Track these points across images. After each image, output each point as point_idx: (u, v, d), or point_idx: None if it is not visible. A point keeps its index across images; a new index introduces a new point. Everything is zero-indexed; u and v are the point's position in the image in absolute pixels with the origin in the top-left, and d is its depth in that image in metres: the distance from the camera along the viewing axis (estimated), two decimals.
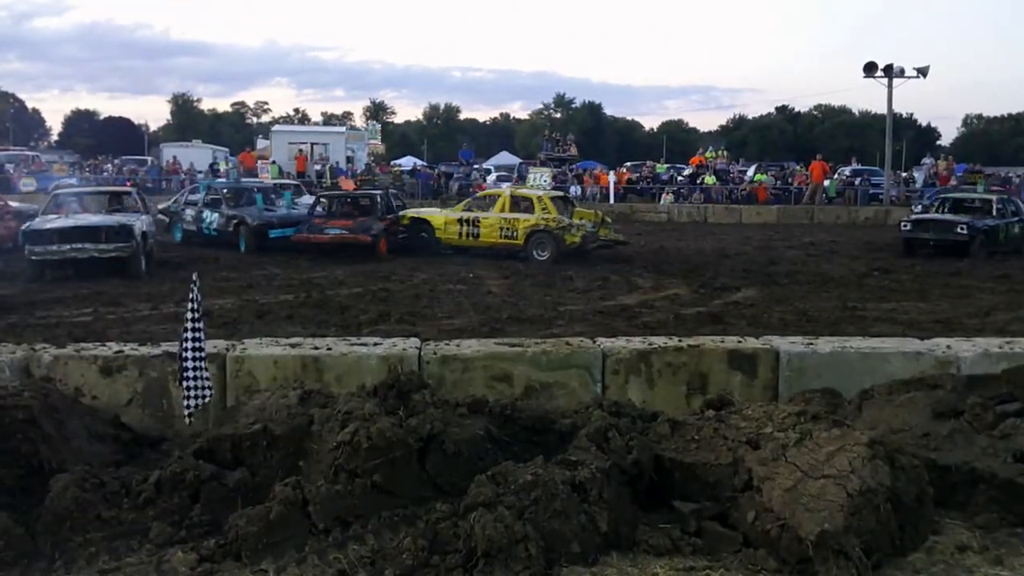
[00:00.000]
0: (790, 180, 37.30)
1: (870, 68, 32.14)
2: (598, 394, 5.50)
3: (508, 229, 17.25)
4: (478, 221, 17.66)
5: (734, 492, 3.95)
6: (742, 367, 5.80)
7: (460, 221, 17.83)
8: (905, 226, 19.37)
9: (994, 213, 19.26)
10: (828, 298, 12.30)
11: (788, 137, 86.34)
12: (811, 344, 6.07)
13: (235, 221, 17.40)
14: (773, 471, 3.82)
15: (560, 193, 21.11)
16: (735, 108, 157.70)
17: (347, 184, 29.75)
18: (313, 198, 20.25)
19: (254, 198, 18.77)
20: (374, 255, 16.59)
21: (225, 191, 18.81)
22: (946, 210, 20.04)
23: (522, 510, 3.65)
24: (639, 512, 4.06)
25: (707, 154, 42.28)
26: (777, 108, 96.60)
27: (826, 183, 34.35)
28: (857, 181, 36.46)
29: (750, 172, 39.89)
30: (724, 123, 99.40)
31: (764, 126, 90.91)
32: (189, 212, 18.73)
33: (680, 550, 3.78)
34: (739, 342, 6.08)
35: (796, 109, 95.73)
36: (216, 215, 17.92)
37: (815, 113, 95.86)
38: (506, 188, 20.84)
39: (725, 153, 44.94)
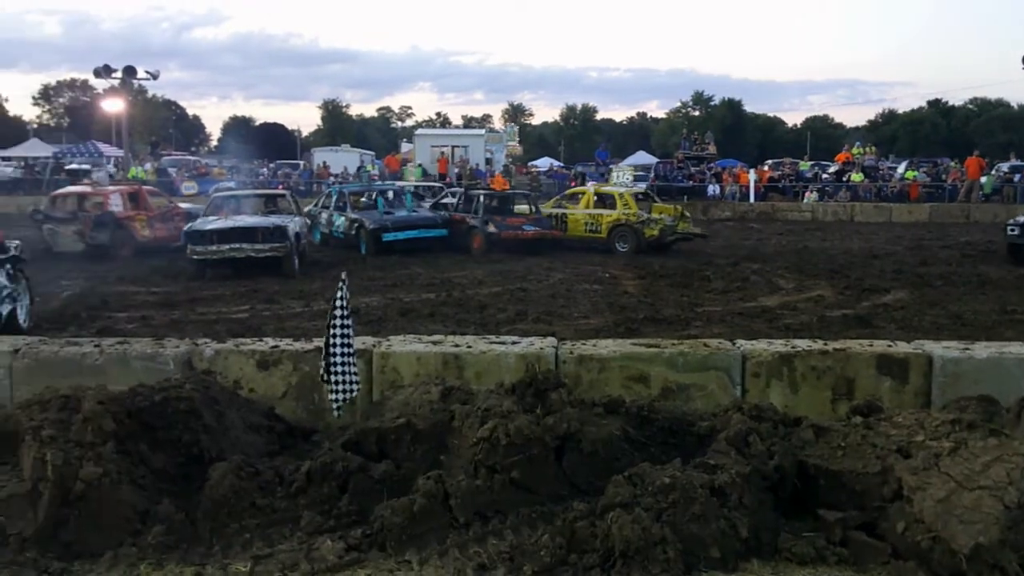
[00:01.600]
0: (944, 177, 35.45)
1: None
2: (738, 397, 5.40)
3: (592, 224, 18.57)
4: (566, 217, 19.02)
5: (883, 502, 3.82)
6: (892, 372, 5.58)
7: (550, 217, 19.05)
8: (1012, 230, 16.57)
9: None
10: (985, 301, 11.64)
11: (941, 132, 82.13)
12: (967, 349, 5.78)
13: (356, 224, 17.92)
14: (925, 481, 3.68)
15: (641, 189, 21.95)
16: (884, 102, 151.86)
17: (499, 183, 30.11)
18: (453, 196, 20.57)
19: (375, 201, 19.29)
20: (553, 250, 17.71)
21: (349, 194, 19.42)
22: None
23: (660, 512, 3.65)
24: (781, 519, 3.98)
25: (854, 150, 40.67)
26: (929, 102, 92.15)
27: (982, 180, 32.47)
28: (1016, 178, 34.28)
29: (900, 169, 38.18)
30: (872, 118, 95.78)
31: (916, 121, 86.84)
32: (324, 215, 19.44)
33: (824, 560, 3.69)
34: (889, 346, 5.85)
35: (950, 102, 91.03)
36: (342, 218, 18.53)
37: (970, 107, 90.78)
38: (591, 186, 21.65)
39: (873, 149, 43.10)
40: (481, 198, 18.56)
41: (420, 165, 36.55)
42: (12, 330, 8.52)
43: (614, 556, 3.54)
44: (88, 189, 19.07)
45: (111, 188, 18.96)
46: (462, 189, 21.55)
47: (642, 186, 24.74)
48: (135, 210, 17.34)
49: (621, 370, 5.56)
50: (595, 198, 19.09)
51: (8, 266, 9.08)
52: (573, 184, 35.57)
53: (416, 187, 24.79)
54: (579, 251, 17.88)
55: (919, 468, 3.75)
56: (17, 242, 9.72)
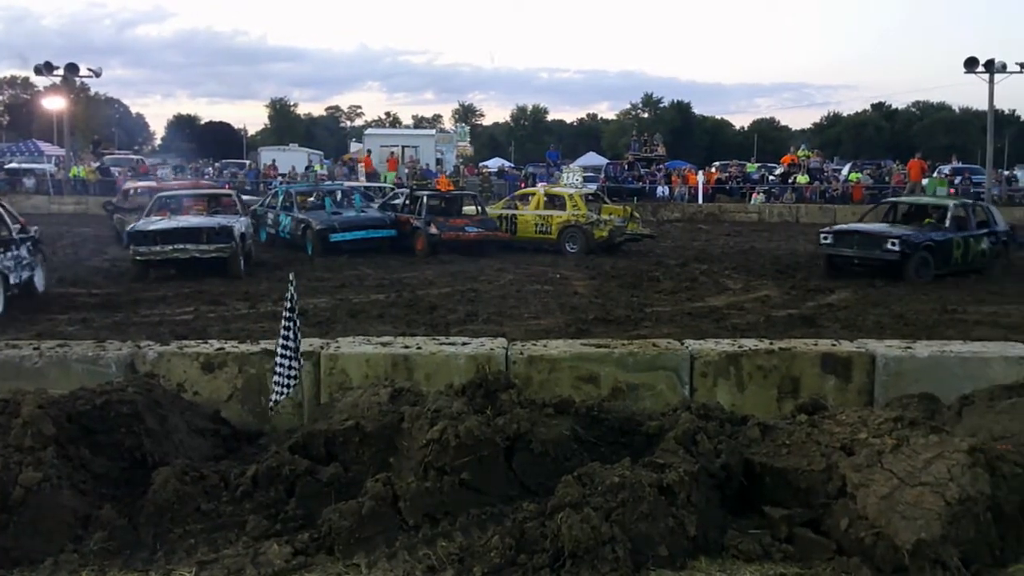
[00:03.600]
0: (887, 179, 36.17)
1: (971, 63, 30.89)
2: (686, 397, 5.46)
3: (542, 225, 18.72)
4: (516, 218, 19.15)
5: (827, 499, 3.88)
6: (836, 371, 5.68)
7: (500, 218, 19.21)
8: (825, 239, 15.17)
9: (947, 224, 14.94)
10: (926, 300, 11.91)
11: (884, 135, 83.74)
12: (909, 348, 5.91)
13: (303, 224, 17.74)
14: (868, 478, 3.74)
15: (591, 190, 22.19)
16: (829, 105, 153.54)
17: (444, 184, 30.03)
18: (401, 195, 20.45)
19: (322, 202, 19.11)
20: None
21: (296, 195, 19.22)
22: (896, 218, 16.14)
23: (609, 511, 3.66)
24: (728, 517, 4.02)
25: (799, 153, 41.32)
26: (873, 105, 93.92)
27: (924, 182, 33.22)
28: (957, 180, 35.14)
29: (845, 171, 38.88)
30: (817, 121, 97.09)
31: (859, 123, 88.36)
32: (270, 215, 19.21)
33: (771, 556, 3.73)
34: (833, 345, 5.95)
35: (893, 106, 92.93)
36: (289, 218, 18.34)
37: (913, 110, 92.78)
38: (541, 187, 21.89)
39: (818, 152, 43.85)
40: (425, 199, 18.48)
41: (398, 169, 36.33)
42: (29, 293, 11.47)
43: (564, 556, 3.54)
44: (154, 183, 21.55)
45: (176, 183, 21.46)
46: (408, 190, 21.43)
47: (592, 187, 24.89)
48: None
49: (571, 370, 5.58)
50: (545, 199, 19.30)
51: (29, 244, 11.75)
52: (523, 185, 35.73)
53: (366, 188, 24.60)
54: (529, 252, 17.92)
55: (862, 465, 3.81)
56: (37, 227, 12.63)
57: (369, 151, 39.82)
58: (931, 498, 3.53)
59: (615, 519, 3.64)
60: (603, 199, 21.11)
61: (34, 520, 3.76)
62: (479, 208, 19.51)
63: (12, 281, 10.84)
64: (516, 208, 19.66)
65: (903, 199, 19.38)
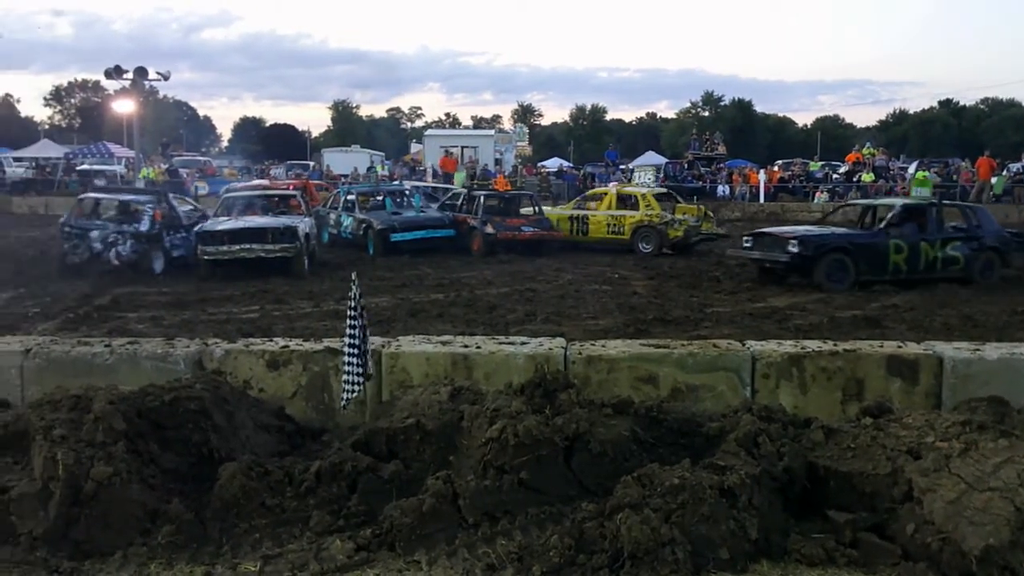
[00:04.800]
0: (955, 177, 35.28)
1: None
2: (747, 398, 5.39)
3: (615, 225, 18.37)
4: (587, 218, 18.87)
5: (892, 503, 3.82)
6: (902, 373, 5.56)
7: (571, 219, 19.00)
8: (746, 242, 14.03)
9: (885, 225, 13.52)
10: (995, 302, 11.58)
11: (952, 132, 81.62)
12: (977, 350, 5.76)
13: (364, 225, 17.94)
14: (935, 482, 3.67)
15: (664, 190, 21.74)
16: (895, 102, 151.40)
17: (501, 184, 30.03)
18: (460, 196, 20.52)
19: (383, 202, 19.29)
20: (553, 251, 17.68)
21: (358, 195, 19.44)
22: (870, 220, 14.57)
23: (669, 513, 3.65)
24: (791, 520, 3.97)
25: (864, 151, 40.52)
26: (940, 102, 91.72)
27: (993, 180, 32.29)
28: None
29: (911, 169, 38.00)
30: (883, 118, 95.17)
31: (926, 121, 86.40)
32: (332, 215, 19.46)
33: (834, 561, 3.69)
34: (899, 347, 5.83)
35: (961, 103, 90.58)
36: (350, 219, 18.56)
37: (981, 107, 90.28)
38: (612, 187, 21.51)
39: (884, 149, 42.93)
40: (482, 199, 18.50)
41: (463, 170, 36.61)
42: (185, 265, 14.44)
43: (623, 557, 3.54)
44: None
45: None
46: (465, 190, 21.51)
47: (655, 186, 24.58)
48: None
49: (630, 371, 5.55)
50: (617, 199, 18.92)
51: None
52: (580, 184, 35.64)
53: (432, 188, 24.77)
54: (587, 251, 17.86)
55: (929, 469, 3.74)
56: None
57: (449, 152, 40.06)
58: (1000, 503, 3.45)
59: (675, 521, 3.62)
60: (676, 198, 20.68)
61: (104, 514, 3.87)
62: (536, 208, 19.41)
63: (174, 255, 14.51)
64: (587, 208, 19.35)
65: (856, 201, 18.47)
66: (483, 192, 19.91)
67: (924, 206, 14.32)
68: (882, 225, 13.64)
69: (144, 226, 14.58)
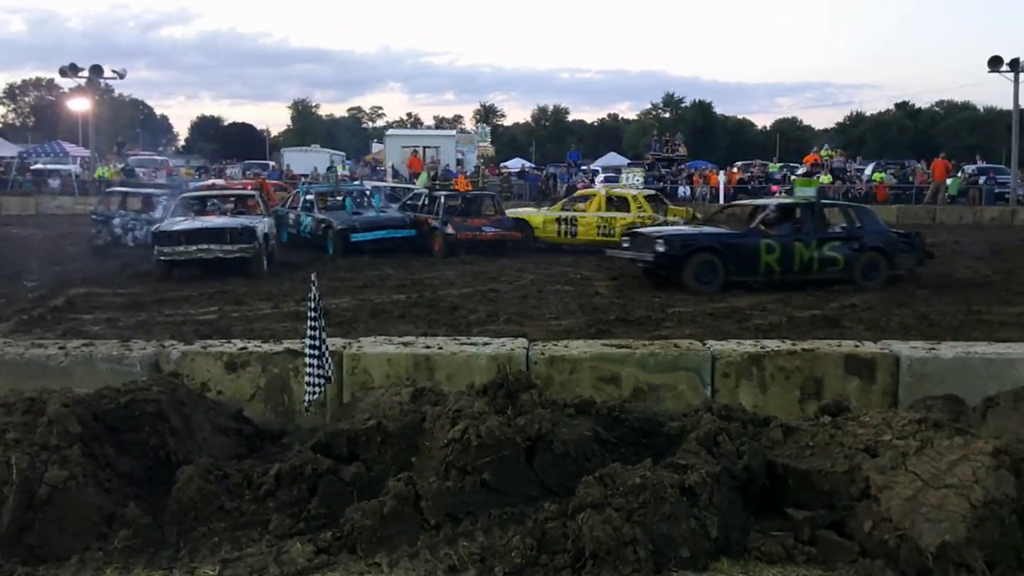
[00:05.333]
0: (911, 179, 35.93)
1: (995, 62, 30.67)
2: (708, 397, 5.44)
3: (605, 227, 18.00)
4: (576, 220, 18.54)
5: (850, 501, 3.86)
6: (859, 372, 5.64)
7: (559, 220, 18.71)
8: (624, 242, 14.25)
9: (756, 225, 13.35)
10: (951, 301, 11.78)
11: (908, 134, 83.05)
12: (933, 349, 5.86)
13: (324, 225, 17.83)
14: (892, 480, 3.72)
15: (653, 191, 21.58)
16: (852, 105, 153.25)
17: (462, 184, 29.89)
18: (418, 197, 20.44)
19: (343, 202, 19.19)
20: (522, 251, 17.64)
21: (317, 195, 19.33)
22: (764, 221, 13.66)
23: (631, 512, 3.66)
24: (751, 519, 4.00)
25: (822, 152, 41.09)
26: (897, 104, 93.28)
27: (948, 182, 32.96)
28: (982, 180, 34.80)
29: (868, 171, 38.62)
30: (840, 120, 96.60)
31: (883, 123, 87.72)
32: (291, 215, 19.32)
33: (793, 559, 3.72)
34: (856, 346, 5.91)
35: (917, 105, 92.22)
36: (310, 219, 18.44)
37: (937, 109, 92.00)
38: (600, 188, 21.36)
39: (841, 151, 43.56)
40: (443, 199, 18.41)
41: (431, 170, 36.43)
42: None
43: (585, 557, 3.55)
44: None
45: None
46: (427, 190, 21.42)
47: (642, 187, 24.04)
48: None
49: (592, 371, 5.57)
50: (606, 200, 18.68)
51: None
52: (542, 185, 35.70)
53: (392, 188, 24.69)
54: (549, 252, 17.89)
55: (886, 467, 3.79)
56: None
57: (416, 151, 39.81)
58: (956, 500, 3.50)
59: (637, 520, 3.63)
60: (664, 201, 20.44)
61: (60, 518, 3.80)
62: (497, 208, 19.35)
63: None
64: (574, 210, 19.00)
65: (741, 202, 18.24)
66: (444, 192, 19.85)
67: (800, 206, 14.04)
68: (754, 225, 13.42)
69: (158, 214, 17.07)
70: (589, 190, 21.66)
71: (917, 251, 13.70)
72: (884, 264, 13.31)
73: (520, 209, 20.19)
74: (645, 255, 13.15)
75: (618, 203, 18.53)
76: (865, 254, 13.23)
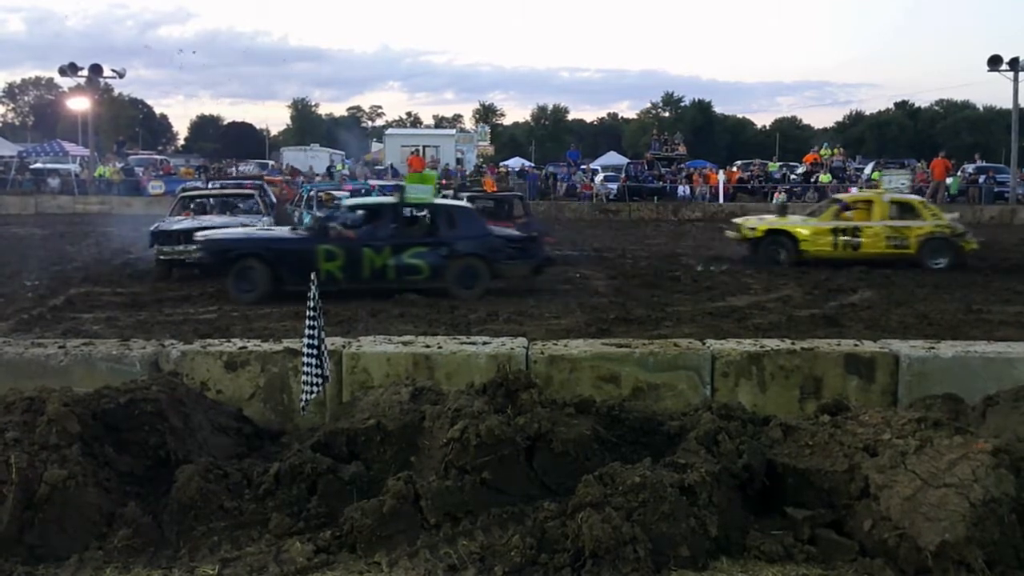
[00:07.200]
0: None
1: (995, 61, 30.71)
2: (707, 397, 5.44)
3: (897, 238, 15.88)
4: (859, 230, 16.04)
5: (850, 500, 3.86)
6: (859, 371, 5.64)
7: (834, 231, 16.08)
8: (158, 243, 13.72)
9: (316, 227, 12.50)
10: (950, 300, 11.80)
11: (908, 133, 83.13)
12: (932, 348, 5.86)
13: None
14: (891, 479, 3.72)
15: (919, 198, 19.18)
16: (852, 104, 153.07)
17: (489, 185, 29.33)
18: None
19: (342, 201, 19.21)
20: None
21: (318, 193, 19.45)
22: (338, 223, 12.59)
23: (630, 511, 3.66)
24: (750, 518, 4.00)
25: (822, 152, 41.13)
26: (896, 104, 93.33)
27: (948, 181, 32.96)
28: (981, 179, 34.82)
29: (868, 170, 38.63)
30: (840, 120, 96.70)
31: (883, 122, 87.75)
32: (296, 213, 19.40)
33: (793, 557, 3.72)
34: (856, 345, 5.91)
35: (916, 104, 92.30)
36: (309, 217, 18.56)
37: (936, 108, 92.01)
38: (869, 193, 18.60)
39: (841, 150, 43.58)
40: (464, 200, 16.98)
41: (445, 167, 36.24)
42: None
43: (584, 556, 3.55)
44: None
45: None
46: (451, 191, 21.20)
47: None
48: None
49: (592, 370, 5.57)
50: (890, 207, 16.33)
51: None
52: (542, 184, 35.63)
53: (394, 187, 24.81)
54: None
55: (886, 466, 3.79)
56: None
57: (416, 151, 39.67)
58: (955, 499, 3.50)
59: (636, 519, 3.63)
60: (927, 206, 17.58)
61: (59, 517, 3.80)
62: (525, 210, 17.82)
63: None
64: (843, 219, 16.31)
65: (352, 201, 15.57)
66: (467, 193, 19.41)
67: (383, 207, 12.89)
68: (313, 230, 12.47)
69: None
70: (860, 195, 18.38)
71: (532, 257, 12.53)
72: (485, 272, 12.12)
73: (776, 219, 17.08)
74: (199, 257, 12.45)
75: (901, 210, 16.41)
76: (460, 261, 12.09)
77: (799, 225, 16.51)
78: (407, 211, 12.57)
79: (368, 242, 11.96)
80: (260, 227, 14.59)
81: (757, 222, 16.81)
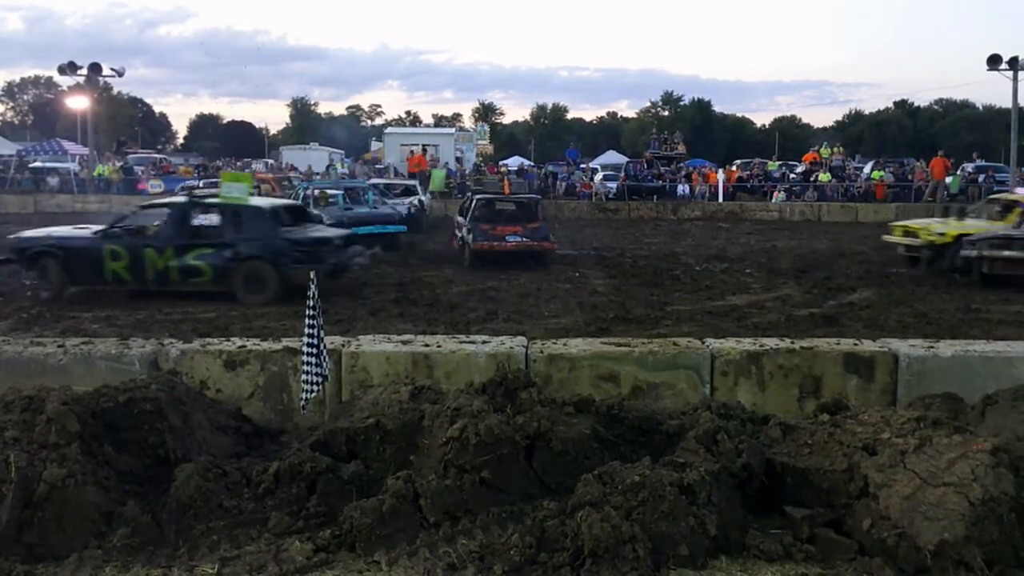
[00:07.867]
0: (909, 177, 35.87)
1: (994, 60, 30.64)
2: (706, 396, 5.44)
3: None
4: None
5: (849, 499, 3.86)
6: (858, 370, 5.64)
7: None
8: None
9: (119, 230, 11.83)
10: (949, 300, 11.80)
11: (907, 133, 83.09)
12: (932, 347, 5.86)
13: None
14: (891, 478, 3.72)
15: None
16: (851, 103, 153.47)
17: (507, 187, 28.93)
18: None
19: (337, 199, 19.84)
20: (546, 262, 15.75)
21: (312, 192, 19.82)
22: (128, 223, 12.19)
23: (629, 510, 3.66)
24: (749, 517, 4.00)
25: (821, 151, 41.09)
26: (895, 103, 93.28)
27: (948, 180, 32.94)
28: (981, 178, 34.79)
29: (867, 169, 38.59)
30: (839, 119, 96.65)
31: (882, 121, 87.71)
32: None
33: (792, 557, 3.72)
34: (855, 344, 5.91)
35: (915, 104, 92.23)
36: None
37: (936, 108, 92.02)
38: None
39: (840, 149, 43.55)
40: (474, 203, 17.14)
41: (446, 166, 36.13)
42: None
43: (584, 555, 3.55)
44: None
45: None
46: (469, 193, 21.23)
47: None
48: None
49: (591, 369, 5.57)
50: None
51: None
52: (540, 183, 35.55)
53: (388, 185, 24.95)
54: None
55: (885, 465, 3.79)
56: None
57: (413, 150, 39.60)
58: (954, 498, 3.50)
59: (635, 518, 3.63)
60: None
61: (58, 516, 3.80)
62: (537, 214, 17.15)
63: None
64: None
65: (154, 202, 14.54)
66: (480, 196, 19.22)
67: (169, 208, 12.37)
68: (103, 228, 12.00)
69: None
70: (1005, 196, 16.12)
71: (322, 262, 11.48)
72: (273, 276, 11.49)
73: (935, 221, 15.23)
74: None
75: None
76: (246, 264, 11.54)
77: (961, 228, 13.93)
78: (193, 212, 12.17)
79: (151, 243, 11.59)
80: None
81: (943, 226, 14.37)
